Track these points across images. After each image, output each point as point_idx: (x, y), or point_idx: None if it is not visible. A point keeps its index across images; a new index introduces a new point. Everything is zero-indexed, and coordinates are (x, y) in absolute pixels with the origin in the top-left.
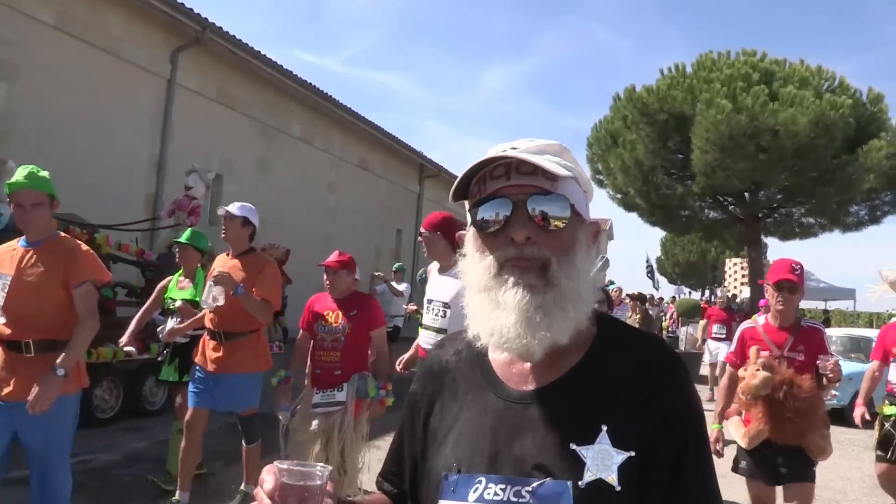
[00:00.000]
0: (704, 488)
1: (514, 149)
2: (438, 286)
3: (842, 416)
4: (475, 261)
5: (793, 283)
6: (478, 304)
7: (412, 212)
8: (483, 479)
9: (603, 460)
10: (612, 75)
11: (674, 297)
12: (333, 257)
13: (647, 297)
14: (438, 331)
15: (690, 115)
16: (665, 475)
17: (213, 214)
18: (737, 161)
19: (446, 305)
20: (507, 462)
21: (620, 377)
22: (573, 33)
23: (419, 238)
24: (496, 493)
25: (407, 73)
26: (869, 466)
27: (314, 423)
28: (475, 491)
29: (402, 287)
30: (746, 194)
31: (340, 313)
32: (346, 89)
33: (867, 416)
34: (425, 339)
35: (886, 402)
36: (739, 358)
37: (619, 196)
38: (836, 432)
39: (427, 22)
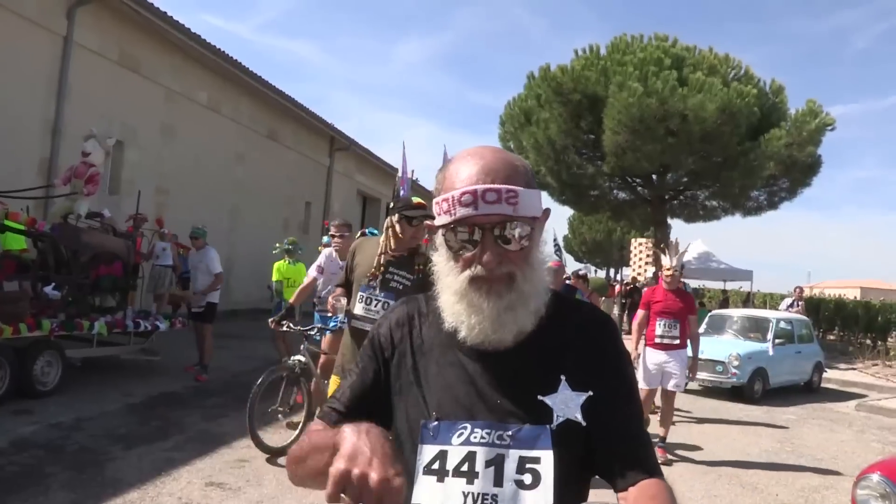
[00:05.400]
0: (638, 418)
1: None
2: None
3: (741, 394)
4: (449, 269)
5: None
6: (457, 307)
7: (322, 184)
8: (468, 425)
9: (567, 404)
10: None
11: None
12: None
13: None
14: None
15: (603, 96)
16: (610, 408)
17: (114, 183)
18: (646, 143)
19: None
20: (485, 411)
21: (569, 336)
22: (490, 9)
23: None
24: (482, 437)
25: (319, 42)
26: (766, 442)
27: None
28: (460, 435)
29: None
30: (654, 176)
31: None
32: (257, 57)
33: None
34: None
35: None
36: None
37: None
38: (736, 409)
39: None
